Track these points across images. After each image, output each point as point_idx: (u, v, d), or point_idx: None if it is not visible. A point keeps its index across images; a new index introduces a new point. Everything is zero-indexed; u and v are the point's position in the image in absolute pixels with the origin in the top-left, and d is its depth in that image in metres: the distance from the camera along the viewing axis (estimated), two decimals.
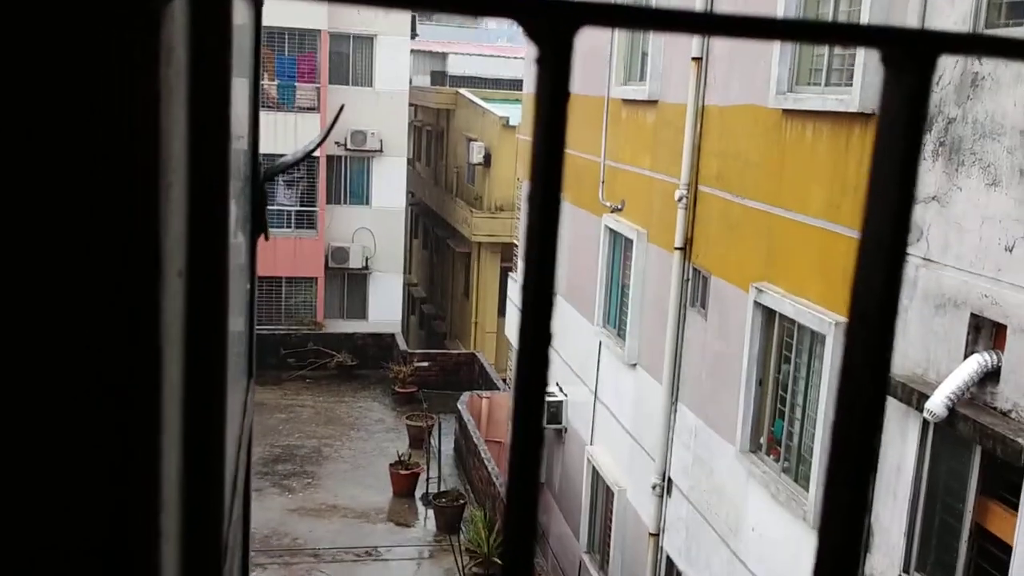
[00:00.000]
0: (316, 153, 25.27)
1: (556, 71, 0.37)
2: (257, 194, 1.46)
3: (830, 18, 8.13)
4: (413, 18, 27.51)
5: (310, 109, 25.48)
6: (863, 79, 7.34)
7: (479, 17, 0.37)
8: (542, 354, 0.42)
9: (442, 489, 17.10)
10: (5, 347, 0.50)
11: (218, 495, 0.88)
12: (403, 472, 17.53)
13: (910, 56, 0.43)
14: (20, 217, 0.48)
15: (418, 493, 17.59)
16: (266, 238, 1.51)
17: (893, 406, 6.93)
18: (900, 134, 0.43)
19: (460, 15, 0.37)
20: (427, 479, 17.39)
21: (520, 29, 0.37)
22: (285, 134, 24.80)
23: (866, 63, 7.32)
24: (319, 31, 25.44)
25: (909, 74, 0.43)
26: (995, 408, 6.05)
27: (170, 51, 0.54)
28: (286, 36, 25.41)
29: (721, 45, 9.94)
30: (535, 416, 0.41)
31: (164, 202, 0.53)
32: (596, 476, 13.24)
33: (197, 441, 0.72)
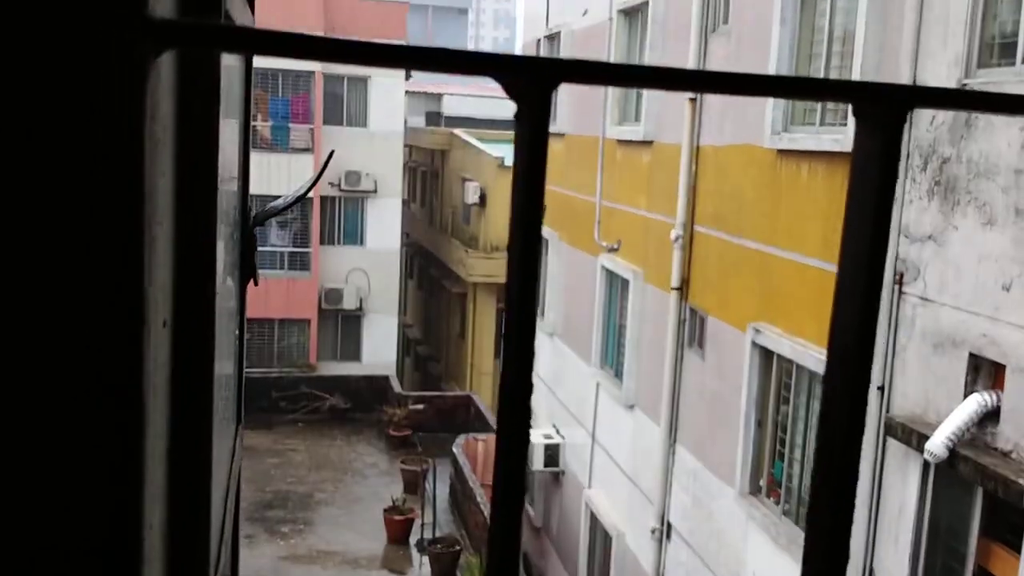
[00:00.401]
0: (310, 194, 25.32)
1: (534, 127, 0.36)
2: (247, 239, 1.43)
3: (823, 60, 8.19)
4: None
5: (304, 150, 25.58)
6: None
7: (460, 75, 0.36)
8: (524, 400, 0.41)
9: (437, 535, 16.88)
10: None
11: (204, 542, 0.86)
12: (397, 518, 17.32)
13: (881, 110, 0.44)
14: (5, 268, 0.49)
15: (413, 539, 17.37)
16: (255, 283, 1.46)
17: (894, 447, 6.87)
18: (873, 186, 0.44)
19: (441, 73, 0.36)
20: (422, 525, 17.18)
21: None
22: (279, 175, 24.86)
23: None
24: (313, 72, 25.63)
25: (880, 128, 0.44)
26: (996, 449, 5.99)
27: (156, 105, 0.56)
28: (280, 77, 25.59)
29: None
30: (519, 457, 0.42)
31: (149, 254, 0.52)
32: (594, 520, 13.09)
33: (183, 490, 0.70)
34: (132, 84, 0.48)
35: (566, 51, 14.70)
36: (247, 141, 1.53)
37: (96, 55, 0.47)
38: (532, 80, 0.37)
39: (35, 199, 0.48)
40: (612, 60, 12.60)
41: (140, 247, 0.50)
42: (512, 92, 0.37)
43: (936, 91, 0.49)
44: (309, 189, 1.89)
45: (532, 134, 0.38)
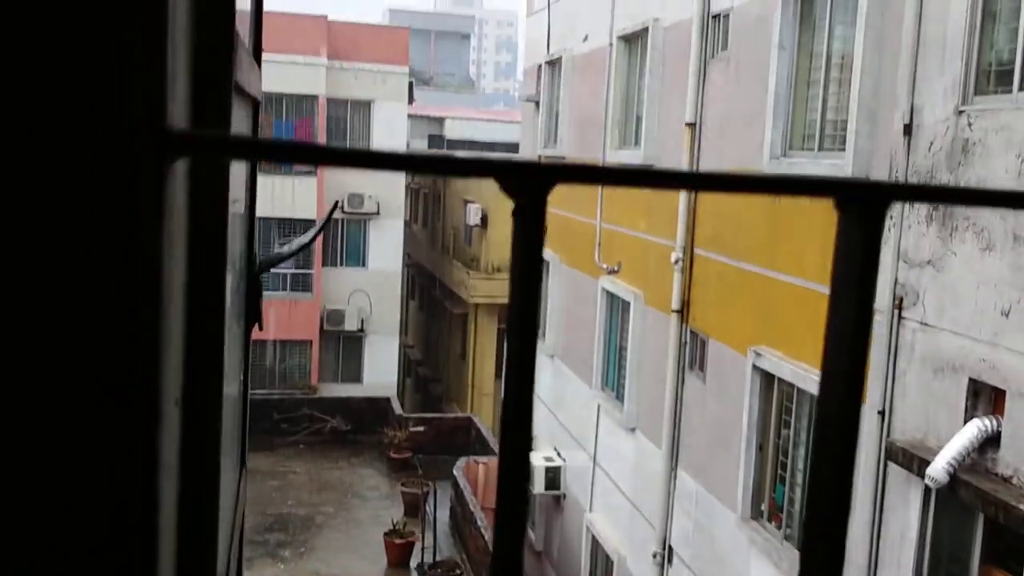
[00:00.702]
0: (313, 216, 25.40)
1: (531, 225, 0.38)
2: (252, 285, 1.45)
3: (821, 86, 8.25)
4: (410, 83, 27.92)
5: (307, 173, 25.69)
6: (856, 144, 7.42)
7: (464, 178, 0.39)
8: (525, 429, 0.45)
9: (438, 559, 16.81)
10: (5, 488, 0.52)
11: None
12: (398, 541, 17.25)
13: (863, 205, 0.47)
14: (26, 352, 0.51)
15: (413, 563, 17.29)
16: (260, 328, 1.49)
17: (894, 472, 6.86)
18: (856, 275, 0.47)
19: (446, 176, 0.39)
20: (422, 548, 17.11)
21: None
22: (282, 197, 24.95)
23: (858, 129, 7.41)
24: (317, 96, 25.78)
25: (862, 221, 0.47)
26: (996, 474, 5.99)
27: (172, 205, 0.59)
28: (284, 101, 25.73)
29: (714, 110, 10.07)
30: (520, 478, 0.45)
31: (164, 341, 0.55)
32: (595, 544, 13.04)
33: (189, 559, 0.72)
34: (150, 190, 0.51)
35: (566, 76, 14.79)
36: (254, 185, 1.56)
37: (118, 165, 0.50)
38: (529, 181, 0.40)
39: (59, 296, 0.51)
40: (612, 86, 12.69)
41: (156, 336, 0.52)
42: (511, 191, 0.40)
43: (916, 188, 0.53)
44: (313, 239, 1.92)
45: (528, 232, 0.41)
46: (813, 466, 0.51)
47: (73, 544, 0.53)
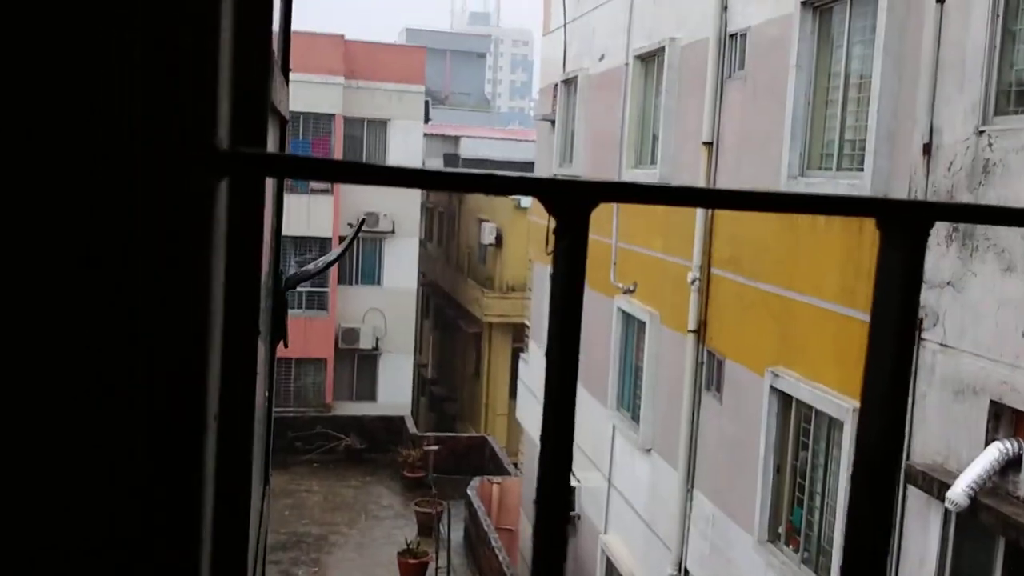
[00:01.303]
0: (328, 234, 25.50)
1: (574, 242, 0.37)
2: (279, 303, 1.45)
3: (839, 106, 8.22)
4: (426, 102, 28.05)
5: (323, 192, 25.82)
6: (875, 163, 7.38)
7: (506, 195, 0.38)
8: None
9: None
10: (60, 500, 0.53)
11: None
12: (411, 561, 17.18)
13: (905, 225, 0.46)
14: (79, 369, 0.53)
15: None
16: (285, 345, 1.48)
17: (914, 495, 6.78)
18: (897, 295, 0.46)
19: (489, 194, 0.38)
20: (436, 568, 17.03)
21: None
22: (298, 216, 25.06)
23: (877, 148, 7.37)
24: (333, 115, 25.93)
25: (904, 240, 0.46)
26: (1017, 497, 5.91)
27: (218, 223, 0.60)
28: (301, 119, 25.90)
29: (731, 130, 10.06)
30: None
31: (210, 357, 0.56)
32: (610, 566, 12.94)
33: (220, 565, 0.73)
34: (200, 207, 0.53)
35: (582, 95, 14.82)
36: (280, 203, 1.56)
37: (171, 182, 0.51)
38: (573, 200, 0.40)
39: (113, 313, 0.52)
40: (628, 104, 12.70)
41: (204, 351, 0.54)
42: (553, 210, 0.40)
43: (959, 207, 0.52)
44: (341, 255, 1.92)
45: (572, 252, 0.41)
46: (853, 486, 0.50)
47: (124, 554, 0.54)
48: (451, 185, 0.37)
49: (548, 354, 0.41)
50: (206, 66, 0.53)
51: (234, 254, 0.73)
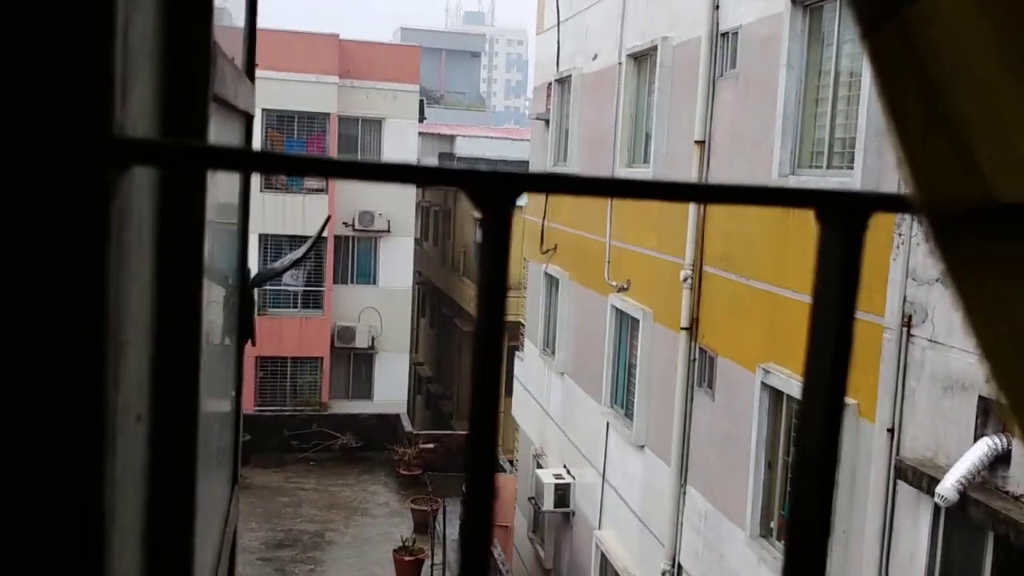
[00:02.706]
0: (324, 234, 25.49)
1: (497, 232, 0.39)
2: (245, 301, 1.47)
3: (830, 104, 8.26)
4: (421, 102, 28.04)
5: (318, 191, 25.81)
6: (865, 161, 7.43)
7: (430, 187, 0.41)
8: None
9: None
10: None
11: None
12: (407, 558, 17.21)
13: (844, 216, 0.46)
14: None
15: None
16: (252, 343, 1.51)
17: (904, 490, 6.83)
18: (837, 286, 0.46)
19: (414, 186, 0.40)
20: (432, 565, 17.06)
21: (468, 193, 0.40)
22: (293, 215, 25.06)
23: (867, 147, 7.42)
24: (328, 114, 25.92)
25: (844, 231, 0.46)
26: (1007, 492, 5.95)
27: (127, 215, 0.56)
28: (295, 119, 25.89)
29: (723, 128, 10.10)
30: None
31: (115, 356, 0.53)
32: (605, 561, 12.98)
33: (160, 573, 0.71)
34: (95, 200, 0.49)
35: (576, 94, 14.85)
36: (247, 200, 1.58)
37: (62, 174, 0.48)
38: (495, 191, 0.40)
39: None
40: (622, 103, 12.73)
41: (103, 353, 0.51)
42: (477, 201, 0.41)
43: (899, 197, 0.50)
44: (307, 253, 1.95)
45: (495, 241, 0.41)
46: (794, 476, 0.50)
47: (18, 561, 0.51)
48: (367, 175, 0.39)
49: (473, 342, 0.43)
50: (101, 50, 0.50)
51: (170, 249, 0.70)
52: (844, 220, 0.47)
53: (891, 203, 0.51)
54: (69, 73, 0.49)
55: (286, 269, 2.18)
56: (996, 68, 0.42)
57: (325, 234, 25.48)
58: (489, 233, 0.40)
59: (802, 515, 0.48)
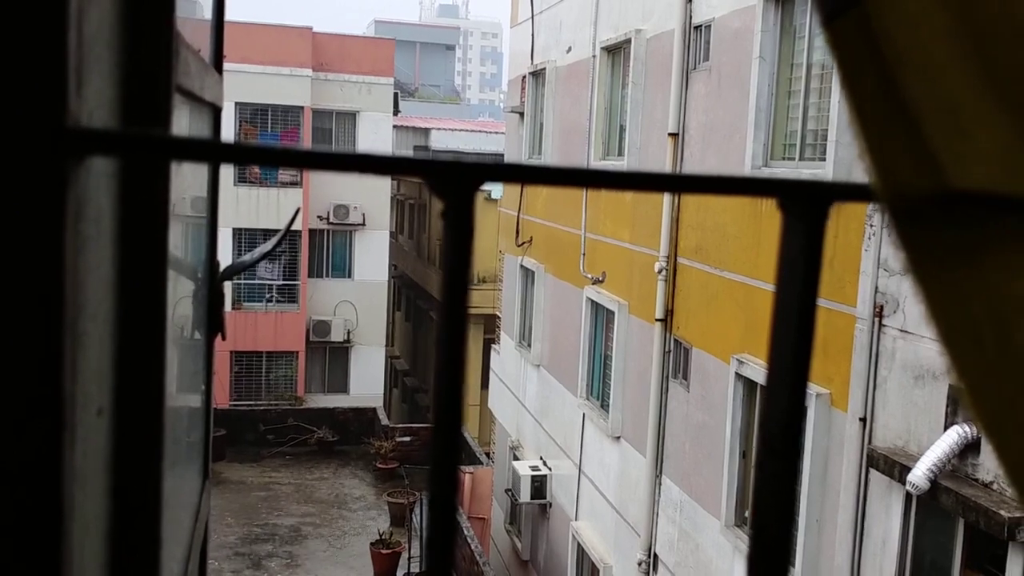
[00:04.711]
0: (299, 228, 25.38)
1: (459, 221, 0.39)
2: (214, 294, 1.47)
3: (802, 96, 8.32)
4: (395, 95, 27.94)
5: (292, 184, 25.66)
6: (836, 153, 7.49)
7: (391, 177, 0.40)
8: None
9: (424, 568, 16.75)
10: None
11: None
12: (384, 551, 17.20)
13: (804, 206, 0.46)
14: None
15: (400, 573, 17.23)
16: (223, 338, 1.50)
17: (876, 478, 6.91)
18: (799, 275, 0.46)
19: (375, 176, 0.40)
20: (409, 558, 17.07)
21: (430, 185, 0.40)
22: (268, 208, 24.91)
23: (838, 138, 7.48)
24: (302, 107, 25.78)
25: (805, 220, 0.46)
26: (977, 480, 6.04)
27: (83, 203, 0.55)
28: (269, 112, 25.71)
29: (697, 121, 10.14)
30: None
31: (73, 348, 0.53)
32: (581, 552, 13.04)
33: (123, 568, 0.71)
34: (49, 191, 0.48)
35: (551, 86, 14.86)
36: (216, 191, 1.57)
37: (12, 165, 0.48)
38: (455, 180, 0.40)
39: None
40: (596, 96, 12.75)
41: (59, 343, 0.50)
42: (437, 191, 0.41)
43: (859, 187, 0.51)
44: (276, 246, 1.94)
45: (457, 232, 0.41)
46: (758, 462, 0.50)
47: None
48: (328, 165, 0.39)
49: (437, 331, 0.43)
50: (50, 38, 0.49)
51: (131, 241, 0.69)
52: (806, 209, 0.47)
53: (852, 192, 0.51)
54: (19, 63, 0.48)
55: (256, 262, 2.17)
56: (949, 55, 0.42)
57: (298, 227, 25.36)
58: (451, 222, 0.40)
59: (766, 495, 0.49)
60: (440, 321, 0.42)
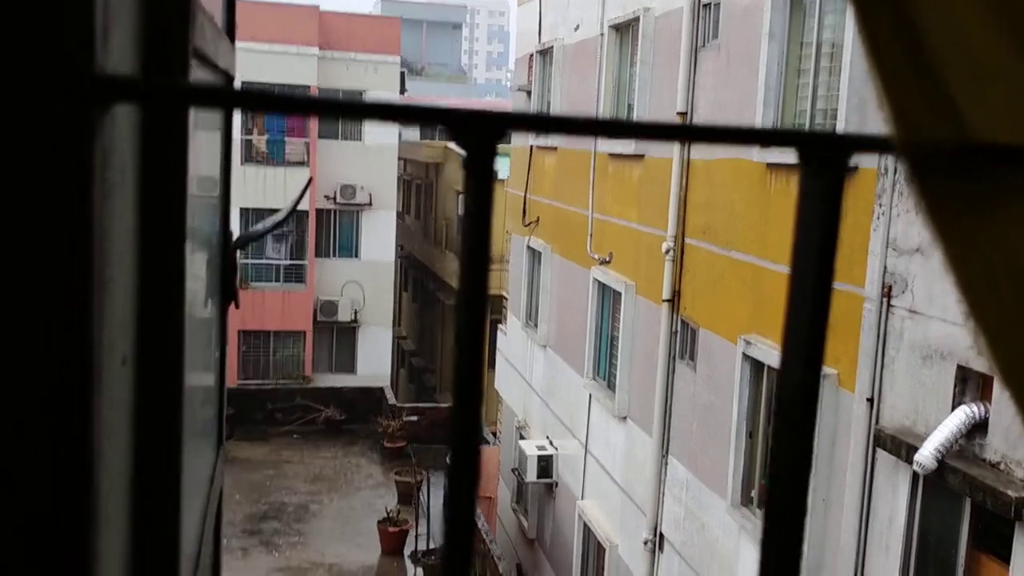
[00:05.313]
0: (306, 208, 25.37)
1: (481, 172, 0.39)
2: (227, 262, 1.47)
3: (811, 75, 8.26)
4: (402, 74, 27.85)
5: (299, 163, 25.64)
6: (846, 131, 7.43)
7: (414, 126, 0.40)
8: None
9: (432, 546, 16.87)
10: None
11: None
12: (392, 529, 17.30)
13: (825, 157, 0.46)
14: None
15: (407, 551, 17.35)
16: (236, 306, 1.51)
17: (883, 458, 6.91)
18: (818, 228, 0.46)
19: (397, 125, 0.39)
20: (416, 536, 17.17)
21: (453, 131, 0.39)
22: (275, 188, 24.90)
23: (848, 117, 7.43)
24: (308, 87, 25.70)
25: (824, 173, 0.46)
26: (984, 460, 6.04)
27: (109, 153, 0.56)
28: (275, 91, 25.63)
29: (705, 99, 10.09)
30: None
31: (100, 294, 0.53)
32: (587, 531, 13.10)
33: (150, 536, 0.71)
34: (78, 138, 0.49)
35: (558, 65, 14.78)
36: (229, 163, 1.57)
37: (43, 111, 0.48)
38: (479, 129, 0.40)
39: None
40: (604, 75, 12.68)
41: (89, 289, 0.51)
42: (461, 141, 0.40)
43: (878, 139, 0.50)
44: (288, 215, 1.94)
45: (479, 180, 0.41)
46: (773, 452, 0.50)
47: (6, 494, 0.51)
48: (347, 113, 0.39)
49: (457, 294, 0.43)
50: None
51: (152, 191, 0.69)
52: (825, 161, 0.47)
53: (871, 144, 0.51)
54: (53, 14, 0.49)
55: (268, 231, 2.18)
56: (974, 8, 0.42)
57: (306, 207, 25.35)
58: (474, 172, 0.40)
59: (779, 476, 0.48)
60: (462, 272, 0.41)
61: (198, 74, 1.04)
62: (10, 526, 0.51)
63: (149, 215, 0.67)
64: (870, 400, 7.07)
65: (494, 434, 20.94)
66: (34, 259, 0.49)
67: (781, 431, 0.50)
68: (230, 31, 1.64)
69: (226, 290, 1.48)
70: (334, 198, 26.35)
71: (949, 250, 0.47)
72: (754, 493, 9.03)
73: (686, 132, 0.47)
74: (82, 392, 0.51)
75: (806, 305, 0.47)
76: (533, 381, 15.98)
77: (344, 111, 0.39)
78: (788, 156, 8.34)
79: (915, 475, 6.51)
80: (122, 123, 0.60)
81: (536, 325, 15.73)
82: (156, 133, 0.69)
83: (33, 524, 0.51)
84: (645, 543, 10.99)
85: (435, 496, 18.27)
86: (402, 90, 28.04)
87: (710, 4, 9.97)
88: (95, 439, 0.53)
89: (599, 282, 12.87)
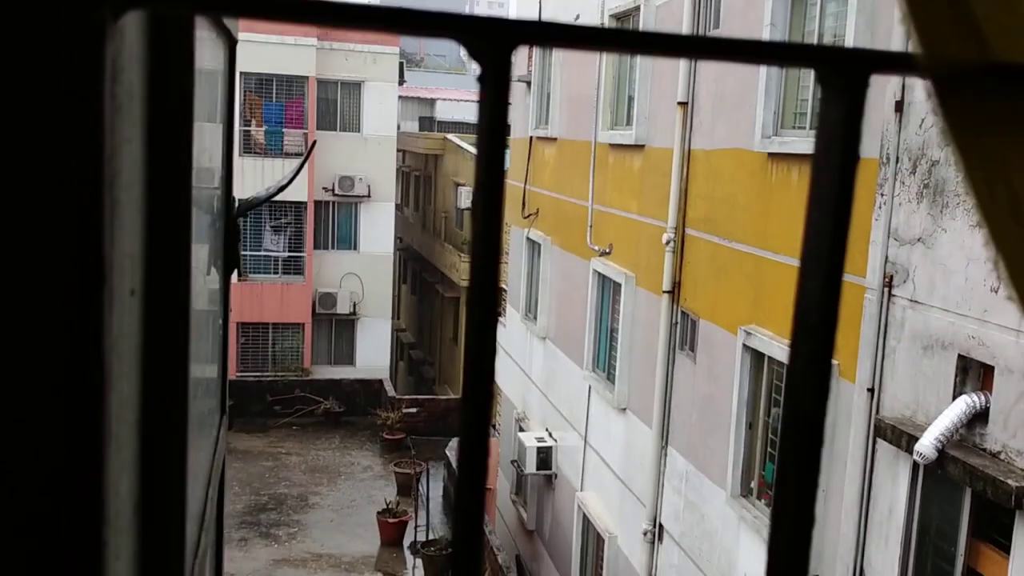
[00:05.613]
0: (304, 199, 25.33)
1: (496, 85, 0.37)
2: (230, 229, 1.45)
3: (816, 30, 8.23)
4: (401, 65, 27.77)
5: (298, 154, 25.58)
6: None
7: (420, 37, 0.37)
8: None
9: (431, 537, 16.89)
10: None
11: (179, 524, 0.86)
12: (391, 520, 17.31)
13: (843, 75, 0.44)
14: None
15: (406, 542, 17.36)
16: (239, 276, 1.49)
17: (883, 448, 6.90)
18: (837, 152, 0.44)
19: (402, 35, 0.37)
20: (415, 527, 17.18)
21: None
22: (273, 179, 24.84)
23: None
24: (307, 77, 25.64)
25: (844, 92, 0.44)
26: (984, 449, 6.03)
27: (118, 69, 0.56)
28: (274, 82, 25.59)
29: (707, 90, 10.06)
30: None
31: (111, 216, 0.52)
32: (586, 523, 13.10)
33: (155, 464, 0.71)
34: (89, 44, 0.48)
35: (558, 56, 14.74)
36: (231, 135, 1.55)
37: (52, 15, 0.47)
38: (493, 40, 0.38)
39: None
40: (604, 65, 12.65)
41: (99, 206, 0.50)
42: (474, 54, 0.39)
43: (900, 55, 0.49)
44: (291, 180, 1.92)
45: (494, 92, 0.39)
46: (792, 344, 0.48)
47: (17, 420, 0.50)
48: (352, 22, 0.37)
49: (472, 212, 0.41)
50: None
51: (157, 108, 0.68)
52: (844, 78, 0.45)
53: (892, 61, 0.49)
54: None
55: (271, 197, 2.17)
56: None
57: (304, 199, 25.31)
58: (488, 85, 0.38)
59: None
60: (474, 198, 0.39)
61: (202, 33, 1.03)
62: (26, 432, 0.50)
63: (157, 136, 0.66)
64: (871, 390, 7.06)
65: (493, 426, 20.95)
66: (44, 167, 0.48)
67: (799, 344, 0.48)
68: None
69: (229, 257, 1.47)
70: (332, 190, 26.32)
71: (970, 170, 0.46)
72: (754, 484, 9.03)
73: (701, 46, 0.45)
74: (96, 307, 0.50)
75: (826, 226, 0.46)
76: (532, 373, 15.97)
77: (351, 18, 0.37)
78: (789, 146, 8.32)
79: (915, 465, 6.51)
80: (130, 39, 0.59)
81: (535, 317, 15.72)
82: (164, 43, 0.67)
83: (42, 450, 0.51)
84: (644, 534, 10.99)
85: (434, 487, 18.28)
86: (401, 81, 27.98)
87: None
88: (107, 358, 0.52)
89: (599, 273, 12.86)
